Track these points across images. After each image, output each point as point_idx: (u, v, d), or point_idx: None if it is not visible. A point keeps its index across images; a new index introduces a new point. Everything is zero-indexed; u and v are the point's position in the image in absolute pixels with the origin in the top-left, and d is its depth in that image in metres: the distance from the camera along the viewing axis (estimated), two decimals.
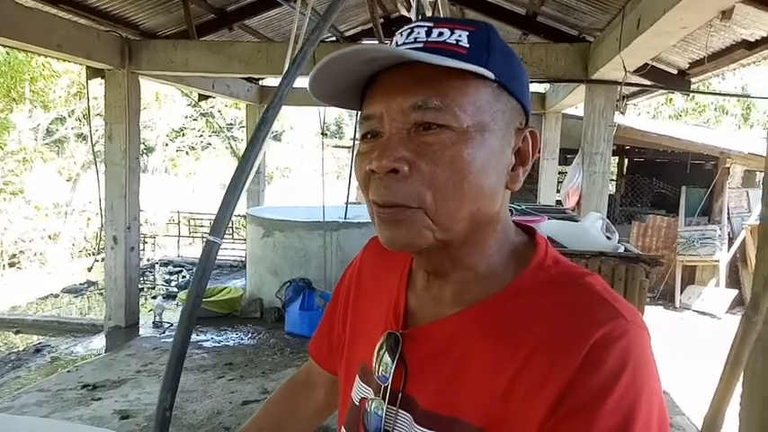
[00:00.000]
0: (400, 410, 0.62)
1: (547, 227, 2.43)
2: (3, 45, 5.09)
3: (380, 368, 0.65)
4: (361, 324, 0.76)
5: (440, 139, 0.56)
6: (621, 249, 2.32)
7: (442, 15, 3.01)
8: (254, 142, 1.25)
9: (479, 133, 0.57)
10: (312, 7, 5.25)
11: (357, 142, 0.64)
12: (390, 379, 0.64)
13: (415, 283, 0.70)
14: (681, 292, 7.52)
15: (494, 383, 0.56)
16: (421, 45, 0.58)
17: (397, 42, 0.61)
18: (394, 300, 0.70)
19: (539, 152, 0.65)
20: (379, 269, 0.77)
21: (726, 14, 2.66)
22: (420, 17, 2.75)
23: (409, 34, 0.60)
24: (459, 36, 0.58)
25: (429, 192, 0.57)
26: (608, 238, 2.35)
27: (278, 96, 1.29)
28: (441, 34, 0.59)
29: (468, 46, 0.58)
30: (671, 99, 14.94)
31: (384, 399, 0.64)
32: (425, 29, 0.60)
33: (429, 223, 0.58)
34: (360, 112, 0.63)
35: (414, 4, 2.59)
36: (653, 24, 2.96)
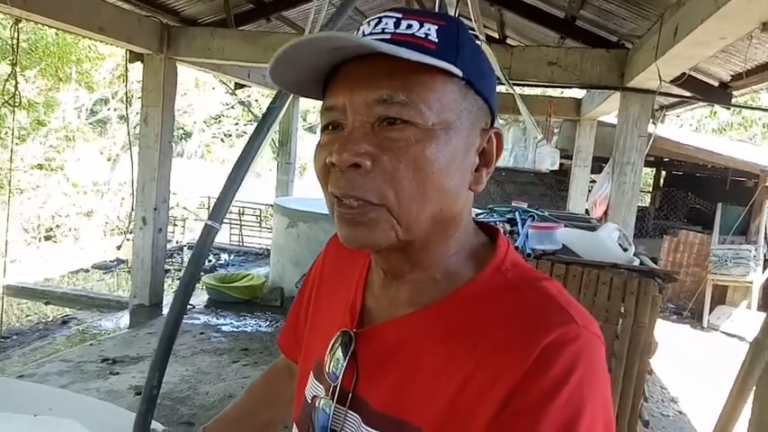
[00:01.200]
0: (349, 411, 0.62)
1: (562, 235, 2.39)
2: (48, 26, 5.26)
3: (332, 367, 0.65)
4: (319, 320, 0.76)
5: (404, 136, 0.55)
6: (637, 262, 2.26)
7: (471, 14, 2.99)
8: (259, 131, 1.26)
9: (444, 131, 0.56)
10: None
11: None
12: (341, 378, 0.63)
13: (374, 282, 0.69)
14: (710, 312, 7.29)
15: (444, 385, 0.56)
16: (388, 37, 0.56)
17: (363, 32, 0.59)
18: (351, 297, 0.69)
19: (502, 153, 0.64)
20: (341, 265, 0.76)
21: (767, 26, 2.56)
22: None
23: (377, 24, 0.58)
24: (429, 30, 0.57)
25: (391, 189, 0.55)
26: (624, 249, 2.30)
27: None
28: (409, 26, 0.57)
29: (436, 41, 0.56)
30: (715, 112, 14.46)
31: (333, 398, 0.63)
32: (394, 20, 0.58)
33: (393, 222, 0.56)
34: (322, 103, 0.61)
35: (436, 3, 2.57)
36: (690, 34, 2.87)
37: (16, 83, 3.86)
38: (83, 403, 1.55)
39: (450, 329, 0.58)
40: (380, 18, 0.59)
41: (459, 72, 0.56)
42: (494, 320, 0.56)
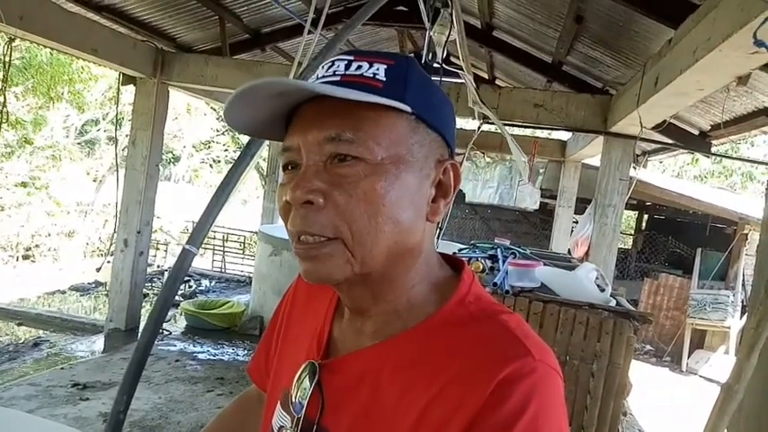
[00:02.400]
0: None
1: (541, 273, 2.41)
2: (43, 45, 5.30)
3: (298, 397, 0.65)
4: (288, 350, 0.76)
5: (354, 171, 0.57)
6: (613, 303, 2.29)
7: (459, 53, 3.07)
8: (242, 158, 1.28)
9: (394, 166, 0.58)
10: (335, 30, 5.39)
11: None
12: (305, 409, 0.64)
13: (342, 314, 0.69)
14: (689, 356, 7.32)
15: (405, 416, 0.56)
16: (338, 78, 0.59)
17: (318, 75, 0.62)
18: (319, 328, 0.70)
19: (461, 183, 0.65)
20: (312, 295, 0.77)
21: (742, 80, 2.66)
22: (431, 56, 2.81)
23: (329, 67, 0.61)
24: (377, 70, 0.59)
25: (344, 223, 0.57)
26: (601, 290, 2.32)
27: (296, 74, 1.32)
28: (359, 68, 0.59)
29: (384, 79, 0.59)
30: (697, 159, 14.81)
31: (298, 428, 0.64)
32: (345, 62, 0.60)
33: (348, 255, 0.58)
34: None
35: (426, 42, 2.65)
36: (670, 83, 2.97)
37: (5, 100, 3.86)
38: (48, 428, 1.51)
39: (411, 361, 0.59)
40: (333, 61, 0.61)
41: (406, 108, 0.58)
42: (453, 352, 0.57)
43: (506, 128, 4.12)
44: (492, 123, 4.28)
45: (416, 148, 0.60)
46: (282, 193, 0.60)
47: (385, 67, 0.60)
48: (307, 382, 0.65)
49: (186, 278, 9.24)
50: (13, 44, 3.97)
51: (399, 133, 0.59)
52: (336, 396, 0.63)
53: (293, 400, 0.66)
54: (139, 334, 5.47)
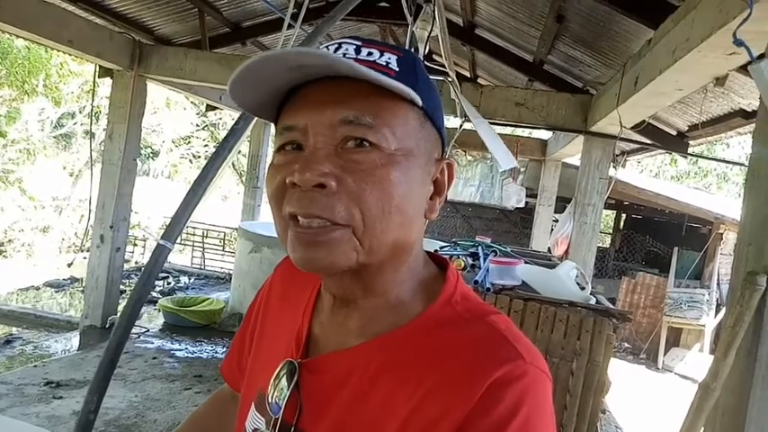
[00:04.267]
0: None
1: (522, 271, 2.42)
2: (17, 36, 5.16)
3: (275, 398, 0.63)
4: (263, 348, 0.74)
5: (369, 158, 0.54)
6: (593, 301, 2.30)
7: (442, 50, 3.06)
8: (220, 152, 1.25)
9: (405, 158, 0.56)
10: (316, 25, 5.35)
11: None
12: (282, 411, 0.61)
13: (322, 310, 0.67)
14: (665, 354, 7.44)
15: (391, 418, 0.55)
16: (352, 61, 0.55)
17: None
18: (298, 325, 0.68)
19: (453, 183, 0.64)
20: (288, 291, 0.75)
21: (719, 81, 2.69)
22: (412, 50, 2.79)
23: (337, 49, 0.58)
24: (389, 59, 0.57)
25: (358, 209, 0.54)
26: (581, 288, 2.34)
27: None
28: (370, 54, 0.57)
29: (397, 69, 0.57)
30: (675, 160, 15.08)
31: (274, 431, 0.61)
32: (354, 46, 0.58)
33: (356, 244, 0.55)
34: (277, 123, 0.60)
35: (408, 37, 2.63)
36: (649, 83, 3.00)
37: None
38: (17, 429, 1.46)
39: (398, 361, 0.57)
40: (340, 44, 0.58)
41: (419, 101, 0.57)
42: (442, 354, 0.56)
43: (489, 124, 4.12)
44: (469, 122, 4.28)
45: (422, 143, 0.59)
46: (280, 174, 0.56)
47: (396, 57, 0.58)
48: (284, 383, 0.62)
49: (165, 275, 9.11)
50: None
51: (411, 126, 0.58)
52: (316, 397, 0.60)
53: (270, 400, 0.63)
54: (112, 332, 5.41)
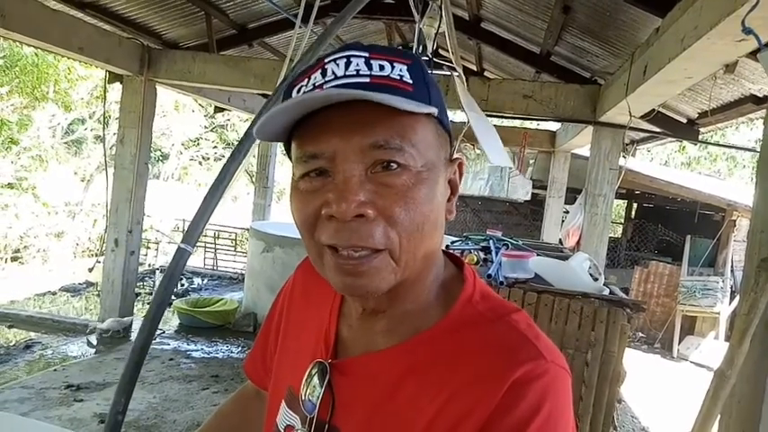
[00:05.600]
0: None
1: (534, 263, 2.43)
2: (27, 44, 5.22)
3: (308, 397, 0.65)
4: (290, 347, 0.76)
5: (400, 181, 0.55)
6: (606, 292, 2.31)
7: (449, 46, 3.06)
8: (235, 156, 1.27)
9: (430, 172, 0.57)
10: (325, 25, 5.36)
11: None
12: (317, 409, 0.63)
13: (349, 313, 0.68)
14: (679, 342, 7.40)
15: (417, 418, 0.56)
16: (367, 80, 0.55)
17: (334, 73, 0.57)
18: (325, 327, 0.69)
19: (463, 180, 0.65)
20: (311, 292, 0.76)
21: (729, 68, 2.67)
22: (421, 48, 2.80)
23: (347, 65, 0.56)
24: (401, 71, 0.57)
25: (394, 233, 0.55)
26: (594, 279, 2.34)
27: (265, 112, 1.32)
28: (382, 68, 0.56)
29: (411, 82, 0.57)
30: (684, 147, 14.95)
31: (310, 430, 0.63)
32: (363, 59, 0.57)
33: (393, 266, 0.57)
34: (298, 150, 0.59)
35: (416, 35, 2.64)
36: (658, 72, 2.98)
37: None
38: (43, 431, 1.50)
39: (424, 364, 0.59)
40: (349, 58, 0.57)
41: (435, 112, 0.58)
42: (465, 354, 0.57)
43: (493, 119, 4.11)
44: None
45: (440, 151, 0.60)
46: (313, 202, 0.56)
47: (407, 67, 0.57)
48: (316, 381, 0.64)
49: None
50: None
51: (431, 138, 0.58)
52: (347, 397, 0.62)
53: (303, 398, 0.65)
54: (135, 334, 5.43)
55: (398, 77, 0.56)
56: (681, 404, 5.34)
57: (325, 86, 0.56)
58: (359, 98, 0.53)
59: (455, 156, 0.65)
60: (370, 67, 0.56)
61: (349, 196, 0.54)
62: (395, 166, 0.55)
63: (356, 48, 0.58)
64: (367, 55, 0.57)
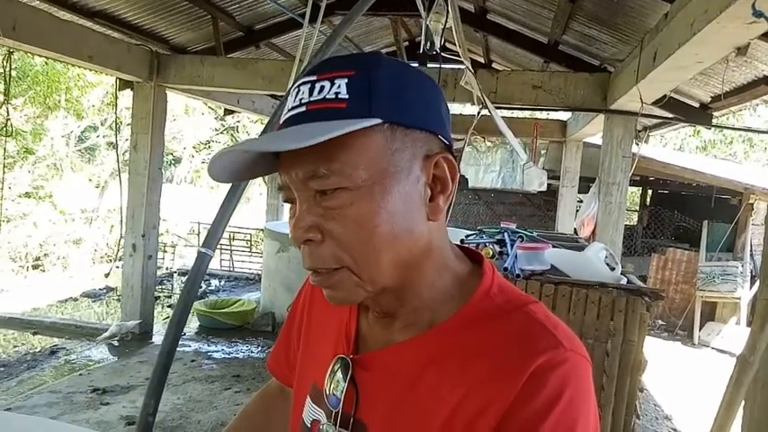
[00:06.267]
0: None
1: (550, 255, 2.43)
2: (39, 55, 5.30)
3: (332, 392, 0.66)
4: (313, 344, 0.77)
5: (339, 202, 0.57)
6: (624, 281, 2.30)
7: (456, 41, 3.06)
8: None
9: (378, 184, 0.57)
10: (334, 24, 5.36)
11: None
12: (342, 404, 0.65)
13: (367, 308, 0.70)
14: (700, 329, 7.34)
15: (439, 409, 0.58)
16: (304, 109, 0.58)
17: (288, 105, 0.61)
18: (345, 322, 0.71)
19: (460, 171, 0.65)
20: None
21: (741, 51, 2.65)
22: (429, 44, 2.80)
23: (297, 95, 0.59)
24: (339, 87, 0.57)
25: (344, 252, 0.58)
26: (611, 268, 2.34)
27: (276, 116, 1.33)
28: (321, 90, 0.57)
29: (347, 97, 0.56)
30: (698, 131, 14.75)
31: (336, 424, 0.65)
32: (309, 85, 0.59)
33: (357, 280, 0.59)
34: None
35: (423, 31, 2.64)
36: (668, 58, 2.96)
37: (8, 112, 3.88)
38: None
39: (443, 356, 0.60)
40: (299, 87, 0.60)
41: (375, 121, 0.56)
42: (484, 346, 0.58)
43: (503, 111, 4.10)
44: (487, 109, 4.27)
45: (398, 155, 0.58)
46: (290, 226, 0.62)
47: (346, 81, 0.57)
48: (340, 377, 0.66)
49: None
50: (12, 57, 3.98)
51: (375, 149, 0.57)
52: (370, 390, 0.64)
53: (327, 394, 0.67)
54: (156, 337, 5.49)
55: (333, 96, 0.57)
56: (704, 391, 5.30)
57: (284, 117, 0.61)
58: (249, 148, 0.58)
59: (447, 149, 0.63)
60: (312, 92, 0.58)
61: (297, 222, 0.59)
62: (330, 190, 0.57)
63: (310, 72, 0.60)
64: (314, 78, 0.59)
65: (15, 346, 6.08)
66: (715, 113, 5.00)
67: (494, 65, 7.69)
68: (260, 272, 8.15)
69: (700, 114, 5.02)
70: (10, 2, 3.96)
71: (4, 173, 10.07)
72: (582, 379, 0.56)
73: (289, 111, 0.60)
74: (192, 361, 5.24)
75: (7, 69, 3.92)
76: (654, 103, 4.24)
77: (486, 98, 3.57)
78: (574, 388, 0.54)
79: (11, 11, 3.90)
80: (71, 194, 12.92)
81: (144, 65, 5.42)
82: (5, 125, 3.70)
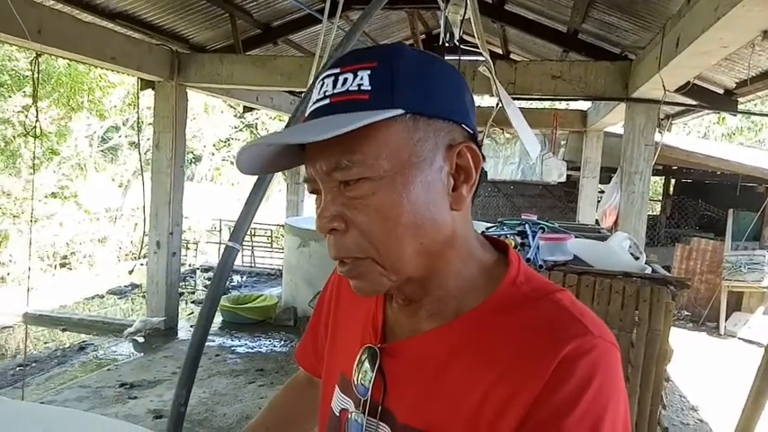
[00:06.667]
0: (380, 423, 0.64)
1: (573, 245, 2.41)
2: (63, 57, 5.40)
3: (360, 381, 0.67)
4: (340, 333, 0.78)
5: (362, 192, 0.58)
6: (648, 270, 2.27)
7: (475, 33, 3.04)
8: None
9: (399, 174, 0.57)
10: (351, 19, 5.36)
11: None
12: (370, 392, 0.66)
13: (394, 298, 0.70)
14: (726, 319, 7.21)
15: (467, 398, 0.58)
16: (328, 101, 0.59)
17: (313, 98, 0.62)
18: (372, 312, 0.72)
19: (483, 162, 0.63)
20: None
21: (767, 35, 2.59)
22: (447, 35, 2.79)
23: (321, 87, 0.60)
24: (361, 79, 0.58)
25: (368, 242, 0.59)
26: (635, 258, 2.31)
27: (299, 111, 1.35)
28: (344, 82, 0.58)
29: (369, 88, 0.57)
30: (723, 118, 14.43)
31: (364, 412, 0.66)
32: (333, 78, 0.60)
33: (381, 270, 0.60)
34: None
35: (442, 23, 2.63)
36: (692, 44, 2.91)
37: (37, 114, 3.97)
38: (115, 426, 1.59)
39: (470, 344, 0.60)
40: (324, 79, 0.61)
41: (397, 112, 0.57)
42: (512, 334, 0.58)
43: (522, 102, 4.06)
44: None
45: (420, 145, 0.58)
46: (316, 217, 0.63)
47: (368, 72, 0.58)
48: (367, 366, 0.67)
49: None
50: (39, 59, 4.07)
51: (397, 139, 0.58)
52: (397, 379, 0.64)
53: (356, 383, 0.68)
54: (181, 332, 5.59)
55: (356, 88, 0.58)
56: (731, 382, 5.22)
57: (308, 110, 0.62)
58: (274, 141, 0.60)
59: (471, 138, 0.62)
60: (335, 84, 0.59)
61: (322, 213, 0.60)
62: (352, 181, 0.58)
63: (334, 65, 0.61)
64: (338, 71, 0.60)
65: (46, 343, 6.25)
66: (740, 99, 4.90)
67: (512, 56, 7.62)
68: (281, 267, 8.22)
69: (724, 101, 4.93)
70: (34, 6, 4.04)
71: (33, 173, 10.33)
72: (611, 366, 0.56)
73: (313, 103, 0.61)
74: (217, 355, 5.33)
75: (35, 73, 4.01)
76: (677, 91, 4.17)
77: (500, 88, 3.53)
78: (603, 375, 0.54)
79: (36, 15, 3.99)
80: (95, 194, 13.18)
81: (165, 64, 5.50)
82: (34, 127, 3.78)
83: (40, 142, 10.79)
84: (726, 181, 9.88)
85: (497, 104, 4.50)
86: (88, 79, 11.99)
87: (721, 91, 4.96)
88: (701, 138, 14.81)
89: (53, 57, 6.87)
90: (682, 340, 6.31)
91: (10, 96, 11.19)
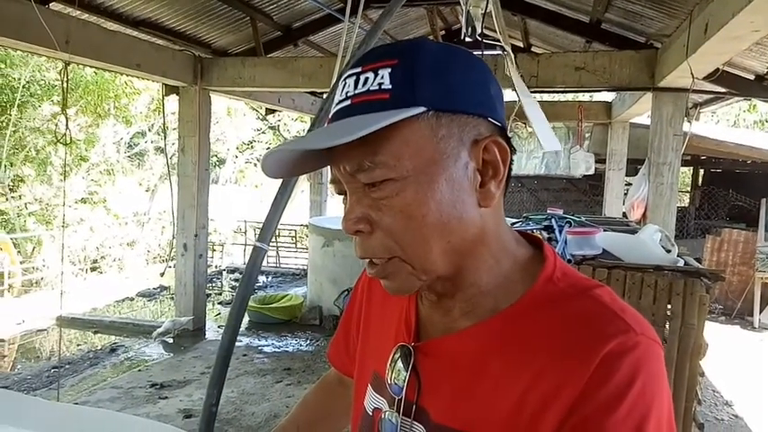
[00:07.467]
0: (414, 422, 0.63)
1: (602, 239, 2.36)
2: (91, 66, 5.51)
3: (394, 380, 0.66)
4: (372, 332, 0.77)
5: (386, 193, 0.57)
6: (681, 263, 2.22)
7: (497, 27, 3.01)
8: None
9: (424, 173, 0.56)
10: (370, 18, 5.36)
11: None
12: (404, 391, 0.65)
13: (427, 296, 0.69)
14: (760, 312, 7.02)
15: (504, 397, 0.56)
16: (349, 102, 0.58)
17: (335, 99, 0.61)
18: (405, 310, 0.70)
19: (512, 156, 0.61)
20: None
21: None
22: (469, 30, 2.76)
23: (343, 88, 0.60)
24: (382, 78, 0.57)
25: (393, 242, 0.58)
26: (667, 251, 2.26)
27: (323, 111, 1.35)
28: (365, 81, 0.57)
29: (390, 87, 0.56)
30: (754, 105, 14.03)
31: (399, 411, 0.65)
32: (354, 77, 0.59)
33: (410, 269, 0.59)
34: None
35: (463, 17, 2.61)
36: (721, 29, 2.83)
37: (67, 122, 4.07)
38: (148, 426, 1.61)
39: (507, 342, 0.59)
40: (346, 79, 0.60)
41: (419, 110, 0.55)
42: (551, 332, 0.57)
43: (545, 95, 3.99)
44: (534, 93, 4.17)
45: (444, 142, 0.57)
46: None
47: (389, 70, 0.57)
48: (401, 365, 0.65)
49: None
50: (68, 68, 4.16)
51: (419, 138, 0.56)
52: (432, 378, 0.63)
53: (389, 382, 0.67)
54: (209, 333, 5.66)
55: (377, 88, 0.57)
56: (766, 376, 5.09)
57: (332, 111, 0.61)
58: (297, 147, 0.57)
59: (498, 132, 0.60)
60: (357, 84, 0.58)
61: (348, 214, 0.60)
62: (377, 182, 0.57)
63: (355, 64, 0.61)
64: (359, 70, 0.59)
65: (78, 345, 6.39)
66: None
67: (533, 48, 7.53)
68: (306, 267, 8.27)
69: (755, 87, 4.79)
70: (62, 17, 4.14)
71: (64, 180, 10.59)
72: (654, 364, 0.54)
73: (336, 105, 0.60)
74: (244, 355, 5.39)
75: (63, 82, 4.10)
76: (705, 78, 4.07)
77: (517, 79, 3.46)
78: (647, 374, 0.52)
79: (64, 26, 4.07)
80: (123, 199, 13.45)
81: (188, 70, 5.57)
82: (64, 135, 3.87)
83: (69, 149, 11.05)
84: (757, 170, 9.64)
85: (520, 99, 4.45)
86: (114, 86, 12.25)
87: (752, 77, 4.82)
88: (730, 126, 14.44)
89: (80, 66, 7.03)
90: (714, 334, 6.16)
91: (40, 105, 11.49)
